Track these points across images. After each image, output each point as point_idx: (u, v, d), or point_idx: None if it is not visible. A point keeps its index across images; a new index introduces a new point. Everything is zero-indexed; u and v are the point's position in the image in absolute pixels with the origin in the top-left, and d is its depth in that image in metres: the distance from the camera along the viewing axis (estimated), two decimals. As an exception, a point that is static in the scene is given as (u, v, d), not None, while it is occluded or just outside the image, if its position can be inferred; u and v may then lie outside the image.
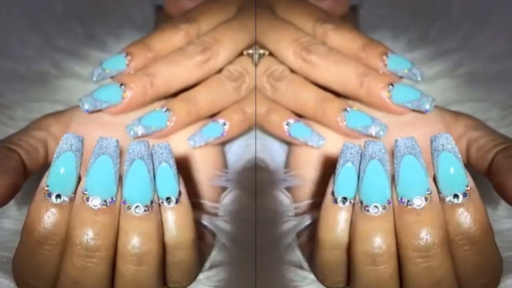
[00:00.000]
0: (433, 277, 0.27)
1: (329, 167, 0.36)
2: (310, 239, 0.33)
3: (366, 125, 0.35)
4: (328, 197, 0.29)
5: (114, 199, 0.27)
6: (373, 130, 0.35)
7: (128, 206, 0.27)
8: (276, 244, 0.34)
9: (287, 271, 0.33)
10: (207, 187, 0.36)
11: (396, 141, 0.27)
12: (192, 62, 0.35)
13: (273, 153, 0.39)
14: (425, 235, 0.26)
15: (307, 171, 0.37)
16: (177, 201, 0.28)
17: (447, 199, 0.27)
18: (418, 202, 0.27)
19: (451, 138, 0.27)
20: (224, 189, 0.36)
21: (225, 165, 0.38)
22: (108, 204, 0.27)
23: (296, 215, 0.35)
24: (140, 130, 0.34)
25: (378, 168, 0.27)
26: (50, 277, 0.28)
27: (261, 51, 0.37)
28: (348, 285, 0.30)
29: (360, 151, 0.28)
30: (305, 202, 0.36)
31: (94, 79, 0.35)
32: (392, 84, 0.34)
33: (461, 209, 0.27)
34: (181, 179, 0.29)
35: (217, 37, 0.36)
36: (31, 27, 0.43)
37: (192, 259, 0.30)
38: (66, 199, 0.27)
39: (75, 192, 0.27)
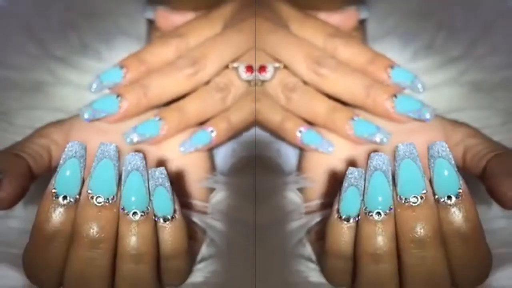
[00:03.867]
0: (427, 267, 0.29)
1: (337, 171, 0.38)
2: (319, 238, 0.34)
3: (372, 133, 0.36)
4: (334, 214, 0.31)
5: (115, 198, 0.29)
6: (377, 138, 0.36)
7: (126, 212, 0.29)
8: (288, 238, 0.36)
9: (297, 264, 0.35)
10: (197, 188, 0.38)
11: (397, 146, 0.30)
12: (182, 74, 0.36)
13: (286, 157, 0.40)
14: (420, 229, 0.28)
15: (318, 174, 0.38)
16: (172, 218, 0.30)
17: (442, 200, 0.29)
18: (414, 199, 0.29)
19: (446, 145, 0.30)
20: (212, 190, 0.38)
21: (213, 168, 0.39)
22: (110, 202, 0.28)
23: (307, 213, 0.37)
24: (135, 138, 0.36)
25: (381, 178, 0.29)
26: (58, 270, 0.30)
27: (277, 65, 0.39)
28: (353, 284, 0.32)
29: (362, 175, 0.30)
30: (315, 202, 0.38)
31: (93, 90, 0.37)
32: (395, 95, 0.36)
33: (453, 209, 0.29)
34: (175, 198, 0.30)
35: (205, 52, 0.37)
36: (27, 37, 0.44)
37: (186, 265, 0.32)
38: (72, 200, 0.29)
39: (79, 194, 0.29)
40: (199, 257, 0.35)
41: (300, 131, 0.38)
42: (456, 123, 0.38)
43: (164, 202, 0.30)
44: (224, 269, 0.34)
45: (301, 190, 0.39)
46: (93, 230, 0.28)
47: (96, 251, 0.28)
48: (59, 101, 0.43)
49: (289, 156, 0.41)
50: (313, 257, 0.35)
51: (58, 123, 0.37)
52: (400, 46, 0.46)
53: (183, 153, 0.37)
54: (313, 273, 0.34)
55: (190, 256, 0.32)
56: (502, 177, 0.31)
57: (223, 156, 0.40)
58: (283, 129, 0.39)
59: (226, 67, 0.38)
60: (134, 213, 0.28)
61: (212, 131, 0.37)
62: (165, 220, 0.30)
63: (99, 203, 0.28)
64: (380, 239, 0.29)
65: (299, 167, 0.40)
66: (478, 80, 0.44)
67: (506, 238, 0.36)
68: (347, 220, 0.30)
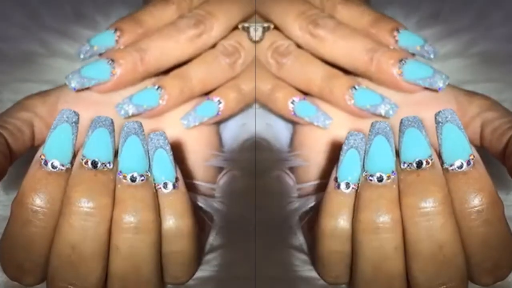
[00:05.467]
0: (434, 239, 0.27)
1: (335, 148, 0.36)
2: (312, 228, 0.32)
3: (375, 104, 0.34)
4: (331, 183, 0.29)
5: (111, 165, 0.28)
6: (382, 109, 0.34)
7: (124, 176, 0.28)
8: (278, 226, 0.34)
9: (288, 254, 0.33)
10: (203, 168, 0.36)
11: (401, 119, 0.28)
12: (184, 36, 0.34)
13: (277, 132, 0.39)
14: (425, 192, 0.27)
15: (312, 152, 0.36)
16: (174, 186, 0.29)
17: (451, 168, 0.28)
18: (419, 163, 0.27)
19: (454, 112, 0.28)
20: (220, 170, 0.36)
21: (221, 145, 0.38)
22: (106, 167, 0.27)
23: (300, 196, 0.35)
24: (131, 109, 0.34)
25: (383, 141, 0.28)
26: (42, 253, 0.28)
27: (266, 25, 0.37)
28: (349, 281, 0.30)
29: (364, 139, 0.29)
30: (309, 184, 0.36)
31: (82, 56, 0.35)
32: (403, 60, 0.34)
33: (465, 177, 0.28)
34: (177, 167, 0.29)
35: (210, 10, 0.35)
36: (16, 6, 0.43)
37: (192, 249, 0.30)
38: (63, 167, 0.28)
39: (71, 163, 0.28)
40: (206, 247, 0.33)
41: (292, 102, 0.36)
42: (471, 94, 0.35)
43: (164, 165, 0.28)
44: (234, 261, 0.32)
45: (293, 170, 0.37)
46: (88, 194, 0.27)
47: (91, 219, 0.27)
48: (51, 73, 0.41)
49: (281, 131, 0.39)
50: (306, 248, 0.33)
51: (43, 94, 0.35)
52: (403, 14, 0.45)
53: (186, 127, 0.35)
54: (304, 266, 0.32)
55: (197, 243, 0.30)
56: None
57: (231, 131, 0.39)
58: (273, 99, 0.36)
59: (235, 28, 0.36)
60: (133, 176, 0.28)
61: (219, 102, 0.35)
62: (166, 186, 0.28)
63: (94, 167, 0.27)
64: (381, 204, 0.27)
65: (292, 144, 0.38)
66: (489, 51, 0.44)
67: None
68: (346, 186, 0.28)
